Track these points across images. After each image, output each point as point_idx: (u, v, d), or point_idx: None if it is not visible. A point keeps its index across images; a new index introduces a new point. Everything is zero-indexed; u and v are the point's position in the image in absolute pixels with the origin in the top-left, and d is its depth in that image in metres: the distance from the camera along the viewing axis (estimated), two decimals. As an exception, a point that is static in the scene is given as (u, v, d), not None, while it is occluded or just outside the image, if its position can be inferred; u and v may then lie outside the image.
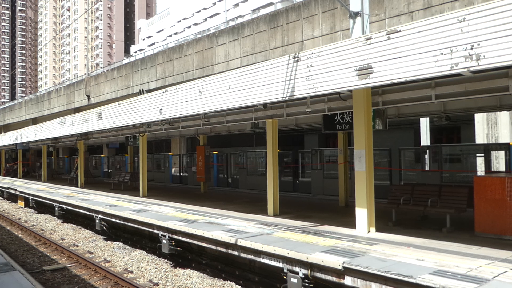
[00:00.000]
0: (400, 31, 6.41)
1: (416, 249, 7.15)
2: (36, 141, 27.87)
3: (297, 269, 7.05)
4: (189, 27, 77.33)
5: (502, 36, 5.33)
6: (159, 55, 26.61)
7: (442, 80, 8.16)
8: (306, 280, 6.91)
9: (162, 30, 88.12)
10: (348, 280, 6.28)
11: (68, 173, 31.21)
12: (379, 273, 5.81)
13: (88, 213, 15.15)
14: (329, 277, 6.59)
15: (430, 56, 6.02)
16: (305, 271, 6.91)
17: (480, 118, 17.04)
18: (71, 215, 18.21)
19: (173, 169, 29.54)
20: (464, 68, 5.71)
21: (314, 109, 10.30)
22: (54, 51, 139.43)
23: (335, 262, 6.40)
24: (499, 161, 15.31)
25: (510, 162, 13.56)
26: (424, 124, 19.23)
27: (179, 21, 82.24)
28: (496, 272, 5.61)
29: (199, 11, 76.12)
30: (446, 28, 5.88)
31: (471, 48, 5.59)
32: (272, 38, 19.20)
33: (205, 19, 73.39)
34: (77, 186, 24.33)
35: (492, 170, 14.29)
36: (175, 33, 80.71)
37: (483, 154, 14.52)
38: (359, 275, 6.10)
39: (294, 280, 7.04)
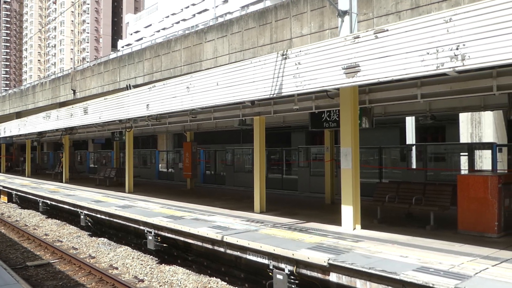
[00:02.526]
0: (387, 30, 6.47)
1: (400, 246, 7.24)
2: (20, 135, 27.45)
3: (283, 265, 7.09)
4: (178, 22, 76.82)
5: (487, 37, 5.40)
6: (146, 50, 26.40)
7: (428, 79, 8.26)
8: (292, 277, 6.95)
9: (150, 25, 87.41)
10: (333, 277, 6.33)
11: (53, 168, 30.81)
12: (363, 269, 5.87)
13: (72, 208, 15.00)
14: (314, 274, 6.64)
15: (417, 55, 6.08)
16: (290, 268, 6.95)
17: (464, 118, 17.28)
18: (55, 211, 18.01)
19: (159, 165, 29.39)
20: (450, 68, 5.79)
21: (301, 106, 10.33)
22: (39, 44, 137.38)
23: (321, 258, 6.45)
24: (482, 160, 15.56)
25: (493, 161, 13.79)
26: (410, 123, 19.44)
27: (168, 17, 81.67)
28: (478, 268, 5.71)
29: (188, 6, 75.69)
30: (432, 28, 5.95)
31: (457, 48, 5.66)
32: (261, 35, 19.19)
33: (194, 15, 73.00)
34: (61, 182, 24.06)
35: (476, 169, 14.51)
36: (163, 29, 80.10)
37: (467, 153, 14.73)
38: (344, 271, 6.16)
39: (279, 276, 7.07)
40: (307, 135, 27.81)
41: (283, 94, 8.09)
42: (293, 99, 9.94)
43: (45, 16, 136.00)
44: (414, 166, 15.88)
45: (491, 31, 5.36)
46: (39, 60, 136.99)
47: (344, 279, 6.18)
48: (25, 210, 20.49)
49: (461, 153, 15.39)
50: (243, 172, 21.27)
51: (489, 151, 14.34)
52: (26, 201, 21.12)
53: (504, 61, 5.33)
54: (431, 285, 5.13)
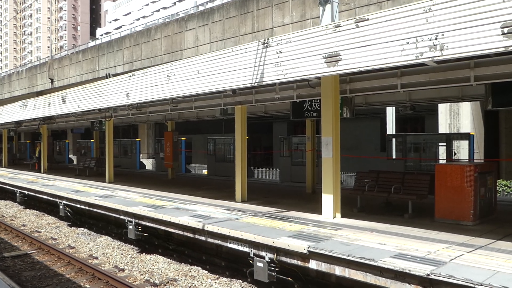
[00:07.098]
0: (368, 19, 6.49)
1: (378, 233, 7.35)
2: (-4, 124, 26.82)
3: (263, 253, 7.13)
4: (158, 10, 75.75)
5: (465, 27, 5.47)
6: (126, 38, 25.98)
7: (408, 69, 8.34)
8: (272, 264, 7.00)
9: (130, 13, 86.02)
10: (312, 264, 6.40)
11: (31, 159, 30.22)
12: (342, 256, 5.95)
13: (51, 199, 14.77)
14: (294, 261, 6.70)
15: (397, 45, 6.13)
16: (271, 256, 7.00)
17: (443, 109, 17.57)
18: (33, 201, 17.71)
19: (140, 155, 29.11)
20: (429, 57, 5.86)
21: (283, 96, 10.33)
22: (15, 32, 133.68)
23: (301, 246, 6.51)
24: (460, 150, 15.87)
25: (470, 151, 14.08)
26: (390, 113, 19.64)
27: (147, 4, 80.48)
28: (453, 255, 5.85)
29: (168, -6, 74.61)
30: (412, 18, 6.00)
31: (436, 38, 5.73)
32: (242, 24, 19.07)
33: (174, 3, 72.08)
34: (40, 172, 23.64)
35: (453, 158, 14.79)
36: (143, 17, 78.90)
37: (445, 143, 14.99)
38: (324, 258, 6.23)
39: (260, 264, 7.12)
40: (289, 125, 27.86)
41: (264, 82, 8.07)
42: (274, 88, 9.93)
43: (20, 3, 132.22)
44: (394, 156, 16.08)
45: (469, 22, 5.43)
46: (14, 48, 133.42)
47: (323, 266, 6.26)
48: (2, 201, 20.09)
49: (440, 143, 15.64)
50: (225, 162, 21.25)
51: (466, 141, 14.65)
52: (3, 192, 20.69)
53: (481, 51, 5.42)
54: (407, 271, 5.24)
